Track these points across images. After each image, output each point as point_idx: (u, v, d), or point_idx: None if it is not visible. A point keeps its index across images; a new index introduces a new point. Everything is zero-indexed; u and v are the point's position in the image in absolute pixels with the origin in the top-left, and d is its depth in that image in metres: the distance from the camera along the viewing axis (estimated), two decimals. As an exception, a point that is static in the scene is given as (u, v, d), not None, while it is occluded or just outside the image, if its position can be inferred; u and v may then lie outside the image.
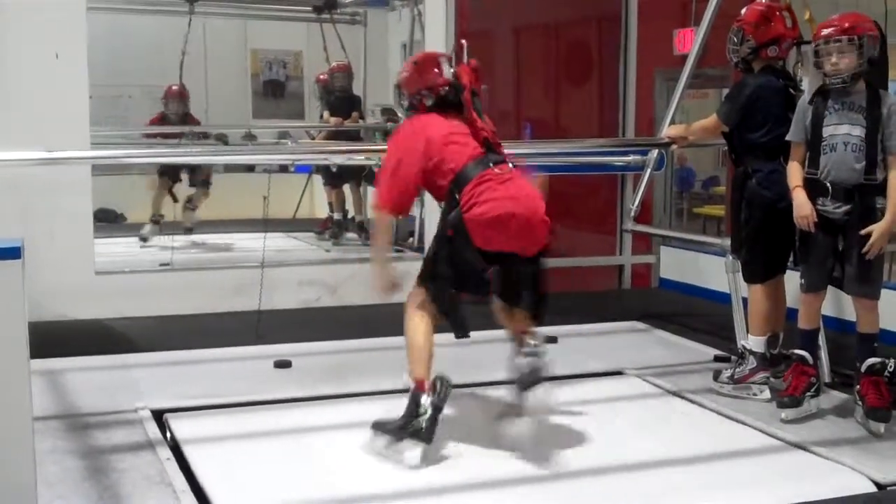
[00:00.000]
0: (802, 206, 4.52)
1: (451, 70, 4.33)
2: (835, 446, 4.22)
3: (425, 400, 3.92)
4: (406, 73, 4.42)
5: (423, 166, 4.14)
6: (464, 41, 4.45)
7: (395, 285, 4.29)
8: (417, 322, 4.13)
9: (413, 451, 3.97)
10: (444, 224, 4.14)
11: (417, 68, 4.38)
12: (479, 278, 4.18)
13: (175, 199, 9.24)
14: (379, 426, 4.02)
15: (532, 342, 4.23)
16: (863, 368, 4.48)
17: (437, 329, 4.17)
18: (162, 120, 9.50)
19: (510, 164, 4.16)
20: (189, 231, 9.19)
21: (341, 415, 4.60)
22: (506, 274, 4.21)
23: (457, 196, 4.04)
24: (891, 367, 4.60)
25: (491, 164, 4.09)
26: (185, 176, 9.25)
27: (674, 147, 5.88)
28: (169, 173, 9.12)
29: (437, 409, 3.92)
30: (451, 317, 4.16)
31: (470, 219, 3.98)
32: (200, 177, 9.25)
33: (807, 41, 4.69)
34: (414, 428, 3.90)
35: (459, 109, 4.27)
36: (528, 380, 4.20)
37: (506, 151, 4.31)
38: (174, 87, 9.45)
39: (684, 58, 6.79)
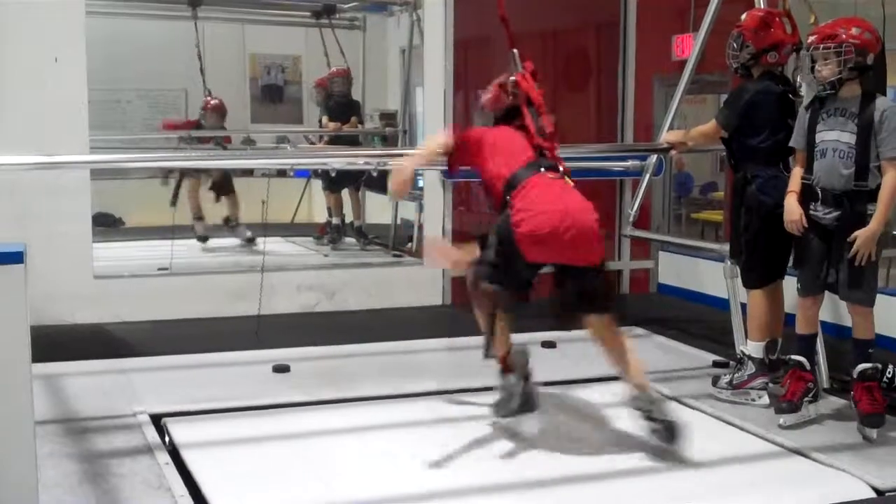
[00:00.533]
0: (791, 212, 4.55)
1: (512, 79, 4.53)
2: (834, 452, 4.21)
3: (508, 380, 4.29)
4: (492, 94, 4.62)
5: (479, 140, 4.37)
6: (515, 50, 4.58)
7: (406, 182, 4.37)
8: (484, 315, 4.33)
9: (413, 454, 3.98)
10: (497, 231, 4.20)
11: (495, 88, 4.60)
12: (524, 280, 4.30)
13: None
14: (497, 408, 4.36)
15: (643, 399, 4.19)
16: (854, 375, 4.49)
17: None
18: (197, 128, 9.48)
19: (560, 170, 4.26)
20: (251, 241, 9.07)
21: (340, 419, 4.61)
22: (571, 285, 4.23)
23: (508, 198, 4.15)
24: (889, 373, 4.60)
25: (542, 169, 4.22)
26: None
27: (673, 152, 5.89)
28: (193, 174, 9.14)
29: (526, 378, 4.28)
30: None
31: (520, 234, 4.05)
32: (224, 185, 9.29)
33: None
34: (510, 410, 4.28)
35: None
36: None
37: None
38: (212, 102, 9.43)
39: (683, 63, 6.80)
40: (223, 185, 9.30)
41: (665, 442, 4.14)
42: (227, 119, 9.67)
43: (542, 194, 4.11)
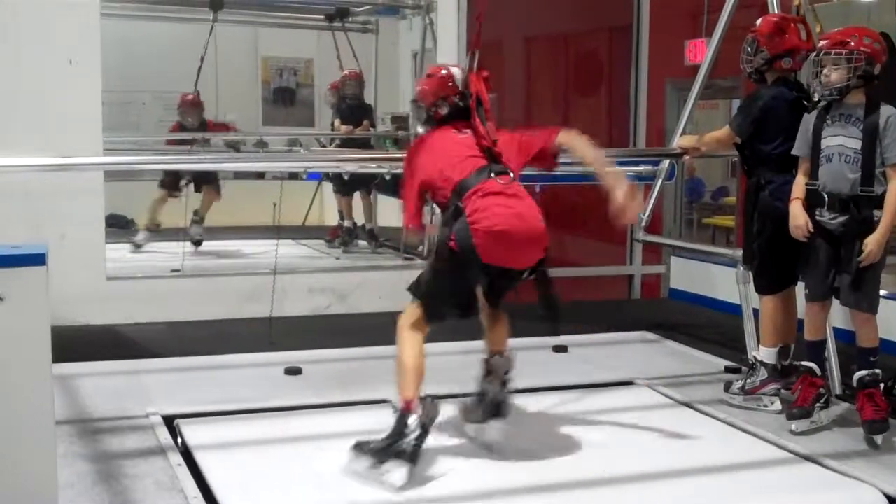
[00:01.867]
0: (796, 217, 4.56)
1: (462, 78, 4.44)
2: (846, 458, 4.21)
3: (413, 420, 3.88)
4: (423, 86, 4.53)
5: (424, 179, 4.23)
6: (476, 51, 4.52)
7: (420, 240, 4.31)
8: (409, 342, 4.17)
9: (425, 457, 3.98)
10: (446, 235, 4.12)
11: (433, 80, 4.50)
12: (472, 296, 4.25)
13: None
14: (360, 447, 3.91)
15: (501, 370, 4.30)
16: (854, 383, 4.49)
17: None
18: (180, 129, 9.45)
19: (511, 175, 4.17)
20: (198, 244, 9.00)
21: (351, 422, 4.60)
22: (496, 285, 4.27)
23: (459, 204, 4.07)
24: (894, 380, 4.60)
25: (492, 174, 4.13)
26: (185, 182, 9.14)
27: (686, 157, 5.89)
28: (169, 185, 9.05)
29: (424, 429, 3.87)
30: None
31: (478, 231, 3.99)
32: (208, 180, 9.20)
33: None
34: (399, 449, 3.83)
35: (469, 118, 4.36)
36: (490, 413, 4.29)
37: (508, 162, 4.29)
38: (188, 97, 9.39)
39: (695, 68, 6.79)
40: (205, 177, 9.08)
41: (485, 414, 4.28)
42: (205, 112, 9.49)
43: (495, 198, 4.05)
